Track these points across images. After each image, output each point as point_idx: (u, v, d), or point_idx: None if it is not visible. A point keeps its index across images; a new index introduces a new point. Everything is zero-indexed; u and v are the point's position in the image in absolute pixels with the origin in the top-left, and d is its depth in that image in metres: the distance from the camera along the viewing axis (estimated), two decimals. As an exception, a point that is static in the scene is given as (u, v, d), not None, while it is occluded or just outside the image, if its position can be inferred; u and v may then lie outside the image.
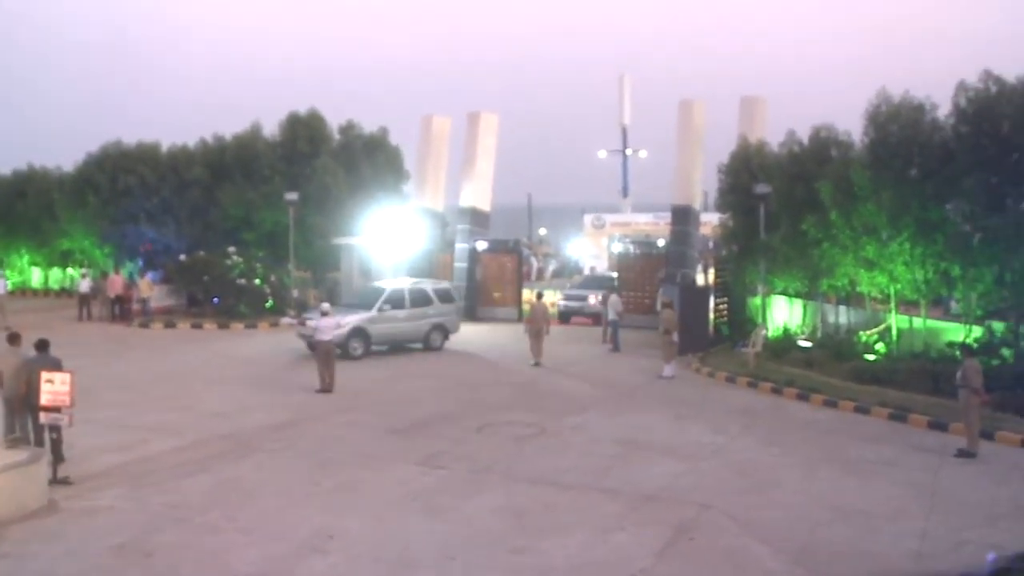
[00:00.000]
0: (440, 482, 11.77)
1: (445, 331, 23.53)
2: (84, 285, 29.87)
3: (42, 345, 12.68)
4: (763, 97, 28.27)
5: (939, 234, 17.79)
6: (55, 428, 11.71)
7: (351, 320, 21.66)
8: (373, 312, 22.15)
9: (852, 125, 20.31)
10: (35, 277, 39.49)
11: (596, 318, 27.54)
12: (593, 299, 28.47)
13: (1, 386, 12.64)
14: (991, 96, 17.02)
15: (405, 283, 23.76)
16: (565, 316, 28.58)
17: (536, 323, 21.24)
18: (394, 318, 22.43)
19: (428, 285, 23.89)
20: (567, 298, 29.58)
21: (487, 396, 17.39)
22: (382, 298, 22.42)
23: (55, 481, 11.28)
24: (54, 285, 38.85)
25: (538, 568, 8.86)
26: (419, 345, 23.02)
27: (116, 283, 29.54)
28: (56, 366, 12.15)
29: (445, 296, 23.77)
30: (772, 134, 25.13)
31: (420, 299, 23.12)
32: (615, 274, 30.23)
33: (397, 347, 22.74)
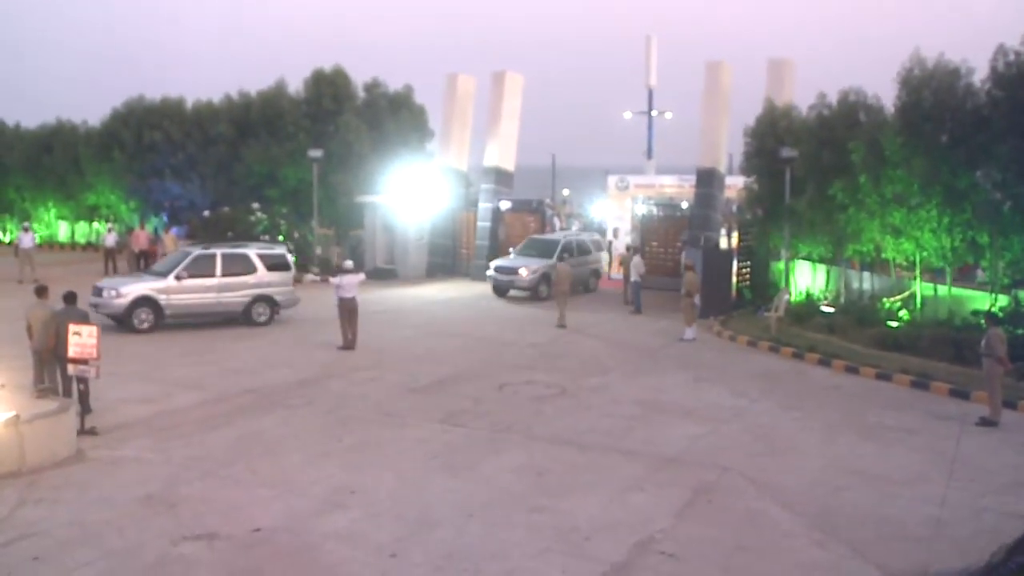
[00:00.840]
0: (461, 440, 11.86)
1: (273, 303, 20.43)
2: (110, 239, 30.16)
3: (70, 298, 12.83)
4: (790, 59, 27.76)
5: (967, 202, 17.54)
6: (82, 380, 11.91)
7: (136, 289, 19.19)
8: (168, 280, 19.35)
9: (882, 89, 20.00)
10: (62, 231, 39.86)
11: (535, 293, 24.45)
12: (525, 272, 24.43)
13: (31, 338, 12.84)
14: None
15: (222, 247, 20.82)
16: (499, 292, 25.38)
17: (561, 285, 21.17)
18: (198, 288, 19.54)
19: (252, 250, 20.73)
20: (497, 270, 25.14)
21: (508, 356, 17.44)
22: (182, 264, 19.56)
23: (83, 431, 11.48)
24: (80, 239, 39.20)
25: (557, 527, 8.93)
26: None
27: (141, 238, 29.82)
28: (84, 319, 12.31)
29: (276, 263, 20.57)
30: (799, 97, 24.77)
31: (238, 266, 20.08)
32: (562, 236, 26.86)
33: (218, 321, 19.98)
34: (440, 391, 14.55)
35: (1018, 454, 11.80)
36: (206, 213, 30.68)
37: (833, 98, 21.38)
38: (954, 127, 17.65)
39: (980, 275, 19.37)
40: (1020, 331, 15.88)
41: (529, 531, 8.83)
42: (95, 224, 38.00)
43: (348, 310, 17.90)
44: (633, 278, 23.54)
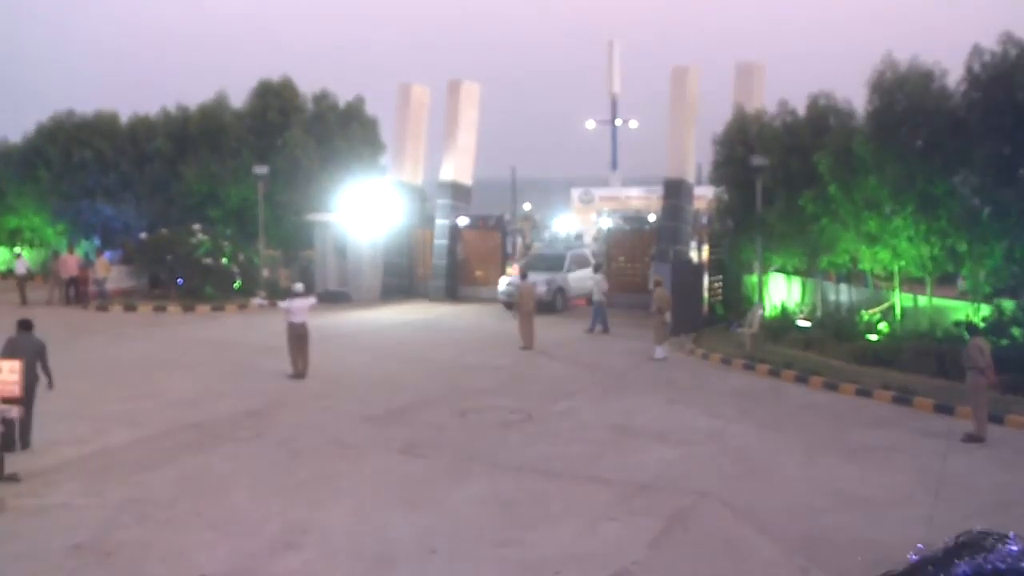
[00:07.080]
0: (421, 471, 11.75)
1: None
2: (20, 267, 29.42)
3: (25, 325, 12.57)
4: (760, 63, 28.12)
5: (943, 209, 17.82)
6: (4, 421, 11.52)
7: None
8: None
9: (854, 92, 20.26)
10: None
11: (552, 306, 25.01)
12: (543, 288, 24.41)
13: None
14: (1009, 61, 16.89)
15: None
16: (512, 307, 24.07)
17: (526, 304, 21.12)
18: None
19: None
20: (511, 286, 24.63)
21: (470, 380, 17.36)
22: None
23: (1, 478, 11.05)
24: (0, 266, 38.40)
25: (525, 561, 8.85)
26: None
27: (70, 263, 29.16)
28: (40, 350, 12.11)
29: None
30: (770, 103, 25.07)
31: None
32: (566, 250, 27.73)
33: None
34: (399, 419, 14.42)
35: (1005, 471, 11.94)
36: (143, 235, 30.25)
37: (801, 103, 21.66)
38: (929, 132, 17.92)
39: (961, 284, 19.65)
40: (1004, 342, 16.11)
41: (496, 566, 8.75)
42: (16, 249, 37.29)
43: (298, 336, 17.70)
44: (596, 298, 23.50)
